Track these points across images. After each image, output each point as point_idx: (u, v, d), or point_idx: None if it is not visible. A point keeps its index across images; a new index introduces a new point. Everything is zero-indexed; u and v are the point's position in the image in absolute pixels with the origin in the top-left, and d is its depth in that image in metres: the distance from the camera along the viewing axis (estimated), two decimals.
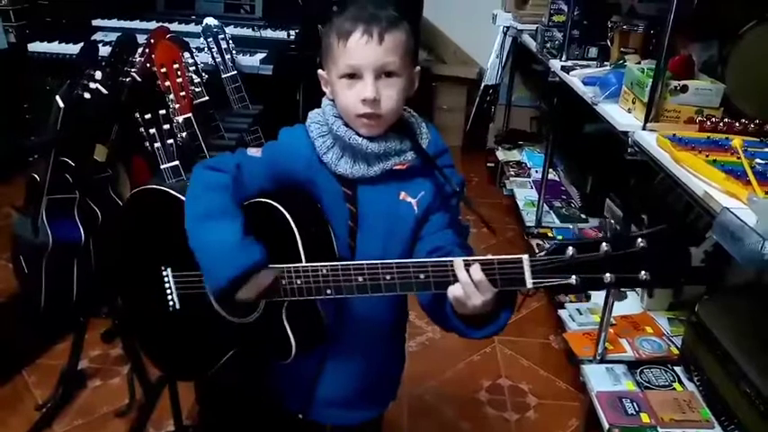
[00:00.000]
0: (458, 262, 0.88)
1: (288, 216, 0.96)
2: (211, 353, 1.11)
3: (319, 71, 1.05)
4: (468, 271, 0.87)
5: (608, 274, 0.81)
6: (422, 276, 0.90)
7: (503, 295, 0.90)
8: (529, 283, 0.85)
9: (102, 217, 2.09)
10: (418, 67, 1.03)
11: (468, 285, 0.87)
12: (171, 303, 1.11)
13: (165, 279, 1.11)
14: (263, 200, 0.99)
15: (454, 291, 0.88)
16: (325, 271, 0.94)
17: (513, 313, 0.93)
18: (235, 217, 0.97)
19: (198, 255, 0.97)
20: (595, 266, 0.81)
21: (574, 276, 0.82)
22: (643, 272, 0.80)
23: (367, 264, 0.92)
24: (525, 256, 0.84)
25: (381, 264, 0.91)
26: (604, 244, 0.80)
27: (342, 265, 0.93)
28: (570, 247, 0.82)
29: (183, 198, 1.05)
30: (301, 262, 0.96)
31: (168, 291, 1.11)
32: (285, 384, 1.15)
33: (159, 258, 1.11)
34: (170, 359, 1.22)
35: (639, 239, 0.79)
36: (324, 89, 1.05)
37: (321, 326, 1.02)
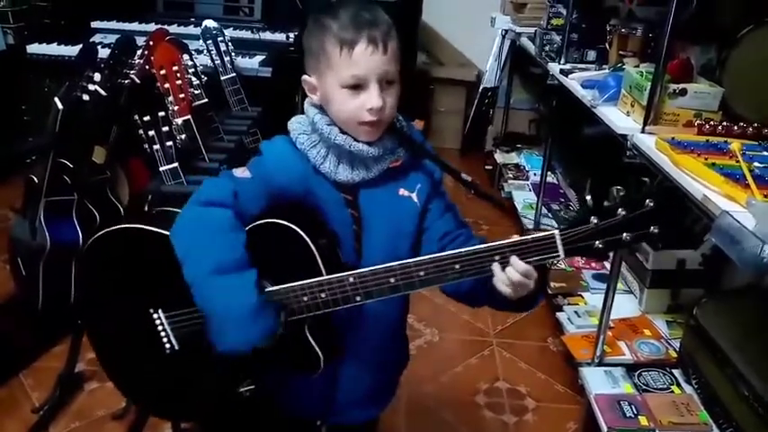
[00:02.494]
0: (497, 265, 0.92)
1: (302, 233, 0.94)
2: (222, 386, 1.07)
3: (305, 77, 1.02)
4: (512, 265, 0.92)
5: (625, 234, 0.90)
6: (457, 267, 0.92)
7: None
8: (562, 254, 0.92)
9: (101, 219, 2.09)
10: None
11: (521, 280, 0.92)
12: (168, 346, 1.06)
13: (158, 322, 1.05)
14: (271, 220, 0.97)
15: (506, 288, 0.92)
16: (352, 279, 0.94)
17: (544, 292, 1.01)
18: (247, 270, 0.93)
19: (208, 312, 0.94)
20: (615, 229, 0.90)
21: (598, 242, 0.91)
22: (653, 227, 0.89)
23: (398, 264, 0.93)
24: (556, 232, 0.91)
25: (413, 261, 0.93)
26: (620, 209, 0.89)
27: (369, 270, 0.94)
28: (593, 216, 0.90)
29: (159, 232, 1.00)
30: (321, 275, 0.95)
31: (163, 333, 1.05)
32: (302, 397, 1.13)
33: (144, 302, 1.05)
34: (176, 404, 1.15)
35: (648, 200, 0.88)
36: (310, 95, 1.02)
37: (337, 332, 1.02)
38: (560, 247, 0.91)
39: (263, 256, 0.96)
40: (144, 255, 1.04)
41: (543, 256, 0.92)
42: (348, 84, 0.95)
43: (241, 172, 1.01)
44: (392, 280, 0.93)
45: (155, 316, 1.05)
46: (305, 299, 0.95)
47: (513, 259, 0.91)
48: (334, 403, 1.12)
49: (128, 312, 1.06)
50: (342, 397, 1.12)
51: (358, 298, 0.95)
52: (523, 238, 0.92)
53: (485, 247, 0.92)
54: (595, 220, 0.90)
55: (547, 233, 0.92)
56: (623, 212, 0.89)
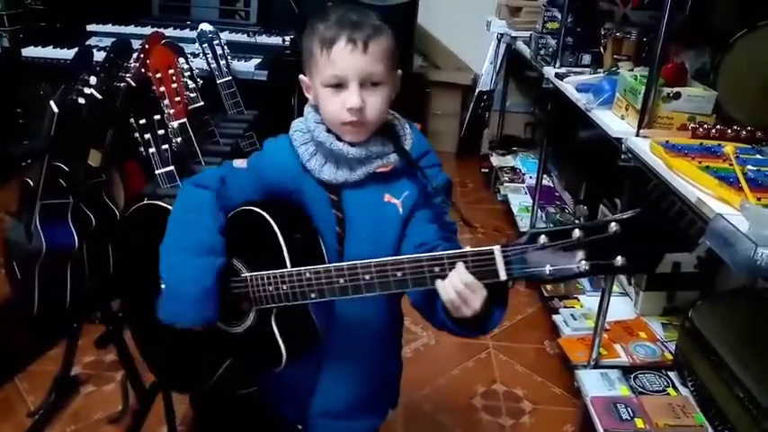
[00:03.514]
0: (457, 269, 0.85)
1: (272, 222, 0.96)
2: (207, 364, 1.10)
3: (301, 76, 1.04)
4: (457, 273, 0.85)
5: (583, 262, 0.78)
6: (399, 274, 0.89)
7: (494, 291, 0.87)
8: (502, 275, 0.83)
9: (96, 222, 2.09)
10: (400, 71, 1.02)
11: (462, 290, 0.85)
12: None
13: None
14: (250, 207, 1.00)
15: (449, 297, 0.87)
16: (308, 275, 0.94)
17: (505, 310, 0.92)
18: (210, 255, 0.98)
19: (163, 281, 1.00)
20: (568, 255, 0.79)
21: (548, 266, 0.80)
22: (619, 257, 0.76)
23: (347, 265, 0.92)
24: (497, 247, 0.83)
25: (360, 264, 0.91)
26: (577, 230, 0.78)
27: (323, 267, 0.94)
28: (543, 236, 0.79)
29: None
30: (286, 268, 0.96)
31: None
32: (282, 396, 1.14)
33: (156, 271, 1.10)
34: (169, 371, 1.22)
35: (612, 224, 0.76)
36: (306, 94, 1.05)
37: (313, 331, 1.01)
38: (501, 266, 0.83)
39: (242, 243, 1.00)
40: (160, 228, 1.07)
41: (482, 273, 0.84)
42: (328, 83, 0.96)
43: (239, 163, 1.07)
44: (341, 281, 0.92)
45: (162, 285, 1.09)
46: (270, 288, 0.97)
47: (459, 267, 0.85)
48: (312, 409, 1.12)
49: (150, 281, 1.11)
50: (320, 404, 1.11)
51: (313, 295, 0.95)
52: (465, 250, 0.86)
53: (424, 256, 0.88)
54: (544, 240, 0.79)
55: (487, 248, 0.83)
56: (578, 234, 0.77)
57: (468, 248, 0.86)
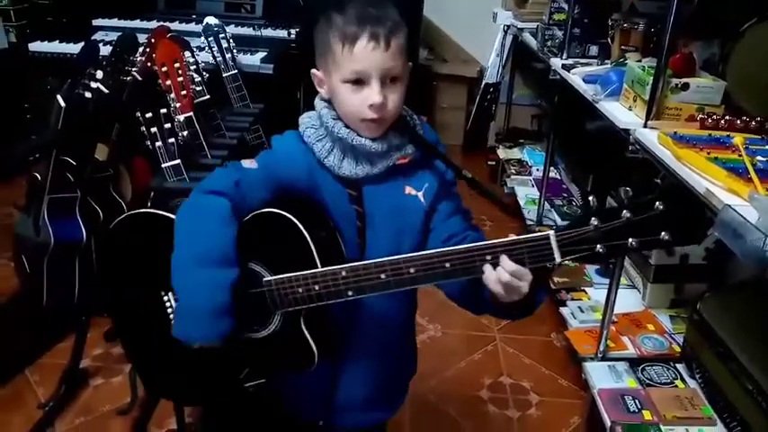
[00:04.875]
0: (501, 262, 0.87)
1: (298, 223, 0.95)
2: (224, 374, 1.08)
3: (313, 70, 1.03)
4: (501, 264, 0.88)
5: (631, 240, 0.83)
6: (447, 265, 0.90)
7: (536, 274, 0.90)
8: (558, 258, 0.86)
9: (104, 216, 2.10)
10: (410, 63, 1.01)
11: (510, 281, 0.88)
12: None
13: (167, 304, 1.07)
14: (270, 209, 0.97)
15: (496, 287, 0.89)
16: (344, 273, 0.93)
17: (546, 293, 0.94)
18: (227, 268, 0.94)
19: (179, 295, 0.96)
20: (619, 233, 0.83)
21: (599, 245, 0.84)
22: (664, 232, 0.81)
23: (388, 260, 0.92)
24: (551, 233, 0.86)
25: (403, 258, 0.91)
26: (625, 211, 0.82)
27: (362, 264, 0.93)
28: (593, 218, 0.84)
29: (171, 216, 1.01)
30: (317, 267, 0.95)
31: (171, 316, 1.07)
32: (302, 393, 1.13)
33: (155, 284, 1.06)
34: (180, 386, 1.17)
35: (658, 202, 0.81)
36: (318, 89, 1.04)
37: (333, 327, 1.01)
38: (555, 250, 0.86)
39: (262, 246, 0.97)
40: (157, 238, 1.05)
41: (537, 258, 0.87)
42: (349, 79, 0.96)
43: (249, 163, 1.03)
44: (383, 276, 0.92)
45: (165, 298, 1.07)
46: (300, 290, 0.95)
47: (503, 258, 0.88)
48: (334, 404, 1.12)
49: (144, 294, 1.09)
50: (341, 398, 1.12)
51: (350, 293, 0.94)
52: (517, 238, 0.88)
53: (475, 246, 0.89)
54: (596, 222, 0.84)
55: (541, 234, 0.87)
56: (628, 215, 0.82)
57: (512, 236, 0.89)
